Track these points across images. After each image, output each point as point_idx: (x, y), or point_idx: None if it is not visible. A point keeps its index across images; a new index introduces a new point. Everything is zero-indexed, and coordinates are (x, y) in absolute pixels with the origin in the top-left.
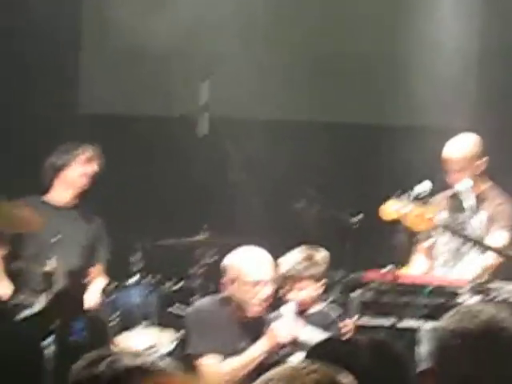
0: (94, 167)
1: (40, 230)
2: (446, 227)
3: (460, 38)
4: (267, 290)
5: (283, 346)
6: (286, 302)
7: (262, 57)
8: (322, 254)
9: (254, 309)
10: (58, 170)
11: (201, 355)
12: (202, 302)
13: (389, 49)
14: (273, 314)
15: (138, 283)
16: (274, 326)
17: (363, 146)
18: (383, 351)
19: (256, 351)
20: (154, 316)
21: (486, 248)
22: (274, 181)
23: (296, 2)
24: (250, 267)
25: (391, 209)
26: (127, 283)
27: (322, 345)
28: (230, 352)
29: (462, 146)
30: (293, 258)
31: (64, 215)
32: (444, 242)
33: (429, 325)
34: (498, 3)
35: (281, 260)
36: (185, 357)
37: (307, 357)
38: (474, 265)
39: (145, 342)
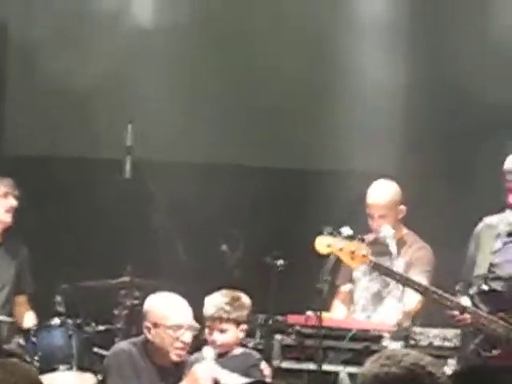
0: (13, 201)
1: None
2: (379, 266)
3: (386, 80)
4: (187, 336)
5: None
6: (206, 343)
7: (188, 100)
8: (245, 298)
9: (175, 353)
10: (1, 196)
11: None
12: (120, 346)
13: (314, 93)
14: (193, 356)
15: (59, 325)
16: (195, 368)
17: (288, 189)
18: None
19: None
20: (76, 358)
21: (416, 285)
22: (197, 223)
23: (220, 49)
24: (170, 313)
25: (326, 242)
26: (49, 324)
27: None
28: None
29: (385, 193)
30: (216, 300)
31: None
32: (364, 287)
33: (351, 369)
34: (425, 45)
35: (205, 301)
36: None
37: None
38: (394, 309)
39: None
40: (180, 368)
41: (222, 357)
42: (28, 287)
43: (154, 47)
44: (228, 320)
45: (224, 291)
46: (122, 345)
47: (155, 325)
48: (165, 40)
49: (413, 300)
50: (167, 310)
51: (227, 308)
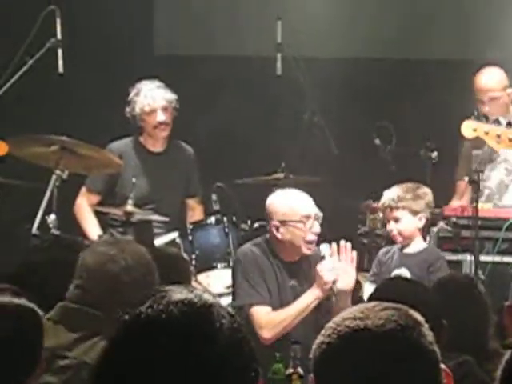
0: (161, 116)
1: (120, 171)
2: None
3: None
4: (317, 226)
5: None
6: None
7: None
8: (423, 189)
9: (307, 247)
10: (146, 114)
11: (255, 304)
12: (242, 250)
13: None
14: (320, 247)
15: (216, 223)
16: (320, 272)
17: (433, 81)
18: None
19: (309, 298)
20: (233, 256)
21: None
22: (349, 118)
23: None
24: (295, 206)
25: (472, 126)
26: (205, 223)
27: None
28: (276, 296)
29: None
30: (391, 191)
31: (157, 159)
32: (486, 176)
33: (508, 259)
34: None
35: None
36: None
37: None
38: None
39: (224, 282)
40: (305, 261)
41: (404, 249)
42: (198, 190)
43: None
44: (397, 208)
45: (405, 184)
46: (244, 248)
47: (283, 222)
48: None
49: None
50: (291, 204)
51: (399, 196)
